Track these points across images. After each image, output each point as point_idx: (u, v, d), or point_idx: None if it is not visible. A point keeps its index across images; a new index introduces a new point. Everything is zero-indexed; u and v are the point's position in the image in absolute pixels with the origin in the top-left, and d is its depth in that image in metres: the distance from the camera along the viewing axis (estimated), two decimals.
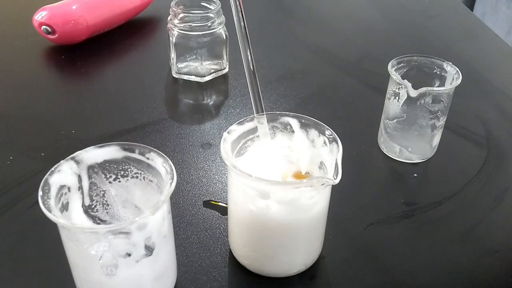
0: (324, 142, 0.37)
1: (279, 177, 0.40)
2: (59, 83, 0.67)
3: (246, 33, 0.36)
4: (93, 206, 0.37)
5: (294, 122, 0.39)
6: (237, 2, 0.35)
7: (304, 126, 0.38)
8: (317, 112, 0.59)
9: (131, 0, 0.75)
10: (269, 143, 0.38)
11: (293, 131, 0.39)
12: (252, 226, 0.36)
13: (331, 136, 0.36)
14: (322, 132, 0.37)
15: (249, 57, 0.37)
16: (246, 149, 0.39)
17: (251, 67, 0.37)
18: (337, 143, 0.36)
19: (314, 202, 0.35)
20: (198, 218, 0.44)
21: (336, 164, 0.33)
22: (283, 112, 0.39)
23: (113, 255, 0.31)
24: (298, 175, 0.40)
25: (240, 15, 0.36)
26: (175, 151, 0.52)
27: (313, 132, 0.38)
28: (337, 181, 0.33)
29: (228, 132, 0.37)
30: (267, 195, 0.34)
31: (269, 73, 0.67)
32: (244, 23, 0.36)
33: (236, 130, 0.37)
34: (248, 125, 0.38)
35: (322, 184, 0.33)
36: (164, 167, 0.34)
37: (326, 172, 0.37)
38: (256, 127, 0.38)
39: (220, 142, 0.53)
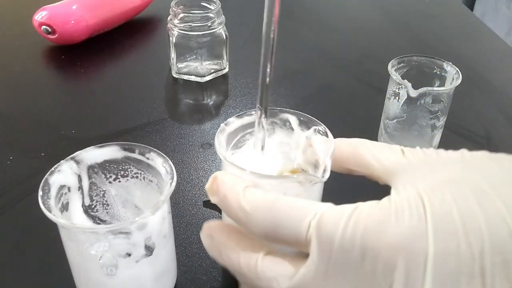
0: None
1: (275, 173, 0.39)
2: (59, 83, 0.67)
3: (273, 46, 0.32)
4: (93, 206, 0.37)
5: (293, 119, 0.38)
6: (273, 14, 0.31)
7: (302, 123, 0.38)
8: (317, 112, 0.59)
9: (131, 0, 0.75)
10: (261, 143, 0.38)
11: (292, 128, 0.39)
12: None
13: (325, 134, 0.36)
14: (318, 130, 0.37)
15: (268, 71, 0.33)
16: (244, 142, 0.39)
17: (266, 80, 0.34)
18: (330, 140, 0.35)
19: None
20: (198, 218, 0.44)
21: (325, 162, 0.33)
22: (283, 109, 0.39)
23: (113, 255, 0.31)
24: (295, 173, 0.40)
25: (273, 28, 0.32)
26: (175, 151, 0.52)
27: (309, 129, 0.38)
28: (324, 179, 0.32)
29: (226, 124, 0.36)
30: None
31: None
32: (274, 36, 0.32)
33: (234, 122, 0.37)
34: (247, 119, 0.38)
35: (310, 182, 0.33)
36: (164, 167, 0.34)
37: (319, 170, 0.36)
38: (254, 122, 0.38)
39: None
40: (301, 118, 0.38)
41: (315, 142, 0.35)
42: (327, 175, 0.32)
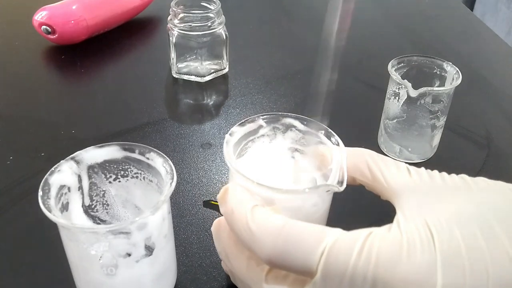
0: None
1: (282, 180, 0.39)
2: (59, 83, 0.67)
3: None
4: (93, 206, 0.37)
5: (297, 124, 0.38)
6: None
7: (307, 128, 0.38)
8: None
9: (131, 0, 0.75)
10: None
11: (297, 133, 0.38)
12: None
13: (335, 141, 0.36)
14: (327, 136, 0.36)
15: None
16: (247, 150, 0.38)
17: None
18: (342, 148, 0.34)
19: (318, 208, 0.34)
20: (198, 218, 0.44)
21: (341, 170, 0.32)
22: (285, 113, 0.38)
23: (113, 255, 0.31)
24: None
25: None
26: (175, 151, 0.52)
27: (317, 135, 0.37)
28: (342, 188, 0.32)
29: (230, 134, 0.36)
30: (271, 202, 0.33)
31: (269, 73, 0.67)
32: None
33: (237, 131, 0.37)
34: (249, 126, 0.37)
35: (328, 191, 0.33)
36: (164, 167, 0.34)
37: (329, 177, 0.35)
38: (257, 128, 0.37)
39: (220, 143, 0.54)
40: (305, 123, 0.38)
41: (332, 150, 0.35)
42: (345, 184, 0.32)
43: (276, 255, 0.27)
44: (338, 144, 0.35)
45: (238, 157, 0.38)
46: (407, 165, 0.31)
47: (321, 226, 0.27)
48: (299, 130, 0.38)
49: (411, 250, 0.25)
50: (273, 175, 0.39)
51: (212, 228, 0.33)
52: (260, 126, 0.38)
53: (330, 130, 0.36)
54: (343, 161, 0.33)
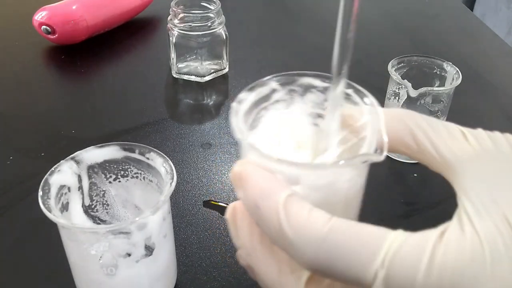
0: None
1: (305, 153, 0.32)
2: (59, 83, 0.67)
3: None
4: (93, 206, 0.37)
5: (318, 83, 0.32)
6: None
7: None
8: None
9: (131, 0, 0.75)
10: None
11: (318, 94, 0.32)
12: None
13: (368, 101, 0.29)
14: (357, 96, 0.30)
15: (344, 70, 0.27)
16: (259, 120, 0.31)
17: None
18: (377, 109, 0.28)
19: (352, 184, 0.28)
20: (198, 218, 0.44)
21: (379, 135, 0.26)
22: (301, 72, 0.32)
23: (113, 255, 0.31)
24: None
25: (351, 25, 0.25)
26: (175, 151, 0.52)
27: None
28: (382, 157, 0.25)
29: (238, 102, 0.29)
30: (296, 181, 0.26)
31: (269, 73, 0.66)
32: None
33: (247, 98, 0.30)
34: (260, 91, 0.31)
35: (364, 162, 0.26)
36: (164, 167, 0.34)
37: (362, 146, 0.28)
38: (270, 93, 0.31)
39: (220, 142, 0.54)
40: (327, 81, 0.31)
41: (364, 111, 0.29)
42: (386, 151, 0.26)
43: (320, 265, 0.21)
44: (371, 105, 0.28)
45: (249, 130, 0.31)
46: (459, 127, 0.25)
47: (377, 227, 0.22)
48: (321, 91, 0.31)
49: (495, 263, 0.19)
50: (293, 149, 0.32)
51: (228, 216, 0.26)
52: (274, 90, 0.31)
53: (359, 87, 0.29)
54: (380, 123, 0.26)
